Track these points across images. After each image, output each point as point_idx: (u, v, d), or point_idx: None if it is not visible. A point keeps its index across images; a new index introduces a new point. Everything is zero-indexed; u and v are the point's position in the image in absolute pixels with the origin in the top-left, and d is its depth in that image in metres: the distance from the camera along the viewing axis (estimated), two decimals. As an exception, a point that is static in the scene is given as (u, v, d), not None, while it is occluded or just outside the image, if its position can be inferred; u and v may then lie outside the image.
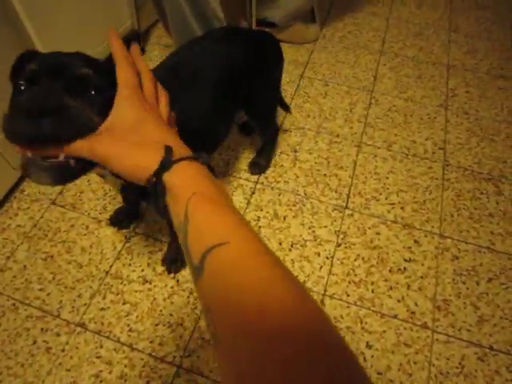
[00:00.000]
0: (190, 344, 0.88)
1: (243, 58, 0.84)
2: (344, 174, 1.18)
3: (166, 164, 0.36)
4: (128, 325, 0.91)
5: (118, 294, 0.95)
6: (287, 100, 1.37)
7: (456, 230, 1.08)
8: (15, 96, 0.44)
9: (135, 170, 0.37)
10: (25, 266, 0.99)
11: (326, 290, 0.97)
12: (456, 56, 1.57)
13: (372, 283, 0.98)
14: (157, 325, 0.91)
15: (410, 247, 1.04)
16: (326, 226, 1.07)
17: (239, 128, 1.25)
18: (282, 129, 1.28)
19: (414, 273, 1.00)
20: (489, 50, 1.59)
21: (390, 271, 1.00)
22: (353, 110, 1.35)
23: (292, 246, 1.03)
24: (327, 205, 1.11)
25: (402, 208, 1.11)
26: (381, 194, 1.14)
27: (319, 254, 1.02)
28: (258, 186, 1.14)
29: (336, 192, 1.14)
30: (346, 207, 1.11)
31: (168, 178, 0.36)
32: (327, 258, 1.02)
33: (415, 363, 0.87)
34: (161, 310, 0.93)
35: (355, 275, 0.99)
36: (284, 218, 1.08)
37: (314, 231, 1.06)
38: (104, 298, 0.95)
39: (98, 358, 0.87)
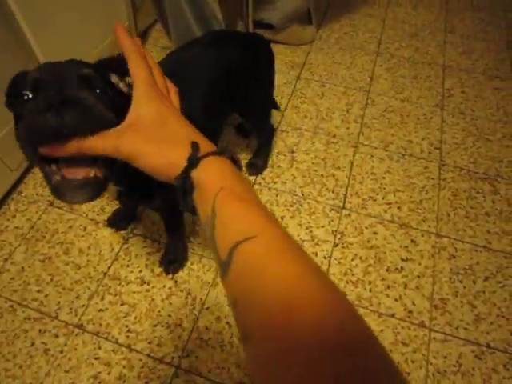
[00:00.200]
0: (189, 344, 0.88)
1: (234, 60, 0.85)
2: (341, 174, 1.19)
3: (193, 161, 0.36)
4: (126, 326, 0.91)
5: (116, 295, 0.95)
6: (284, 101, 1.38)
7: (452, 229, 1.08)
8: (22, 107, 0.43)
9: (163, 168, 0.37)
10: (22, 268, 0.99)
11: (323, 290, 0.97)
12: (452, 57, 1.58)
13: (369, 283, 0.99)
14: (155, 326, 0.91)
15: (406, 246, 1.05)
16: (323, 226, 1.07)
17: (236, 130, 1.26)
18: (279, 129, 1.29)
19: (411, 272, 1.00)
20: (484, 51, 1.60)
21: (387, 270, 1.00)
22: (349, 110, 1.36)
23: (290, 246, 1.04)
24: (324, 205, 1.12)
25: (398, 208, 1.12)
26: (378, 194, 1.14)
27: (317, 254, 1.03)
28: (256, 187, 1.14)
29: (333, 192, 1.14)
30: (343, 207, 1.11)
31: (195, 174, 0.35)
32: (325, 257, 1.02)
33: (413, 362, 0.88)
34: (159, 311, 0.93)
35: (353, 275, 1.00)
36: (281, 219, 1.08)
37: (311, 231, 1.07)
38: (102, 299, 0.95)
39: (96, 359, 0.87)
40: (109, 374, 0.85)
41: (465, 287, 0.98)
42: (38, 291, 0.96)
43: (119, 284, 0.97)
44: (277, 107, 1.19)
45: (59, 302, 0.94)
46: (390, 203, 1.13)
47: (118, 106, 0.43)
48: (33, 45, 1.09)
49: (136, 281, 0.97)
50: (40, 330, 0.90)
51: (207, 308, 0.94)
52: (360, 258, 1.02)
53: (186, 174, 0.36)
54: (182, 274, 0.98)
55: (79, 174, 0.40)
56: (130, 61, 0.41)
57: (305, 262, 0.31)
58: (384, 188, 1.16)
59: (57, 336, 0.90)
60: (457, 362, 0.88)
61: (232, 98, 0.88)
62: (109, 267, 0.99)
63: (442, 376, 0.86)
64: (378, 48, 1.59)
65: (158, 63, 0.84)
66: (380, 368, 0.26)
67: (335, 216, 1.10)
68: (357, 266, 1.01)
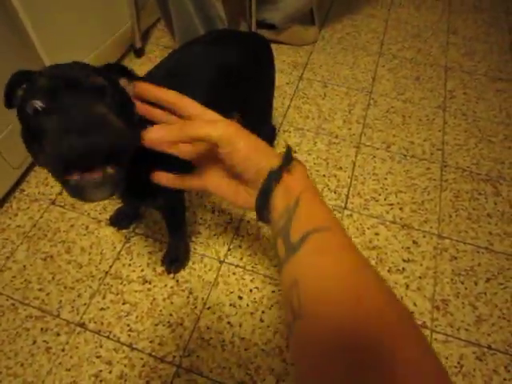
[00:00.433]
0: (190, 344, 0.89)
1: (234, 59, 0.85)
2: (343, 174, 1.19)
3: (287, 160, 0.40)
4: (128, 325, 0.91)
5: (117, 294, 0.95)
6: (286, 101, 1.38)
7: (454, 230, 1.08)
8: (35, 120, 0.42)
9: (255, 166, 0.41)
10: (24, 266, 0.99)
11: (325, 290, 0.97)
12: (454, 58, 1.58)
13: (371, 283, 0.98)
14: (156, 325, 0.91)
15: (408, 247, 1.05)
16: (325, 227, 1.07)
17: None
18: (281, 129, 1.29)
19: (413, 273, 1.00)
20: (486, 53, 1.60)
21: (388, 271, 1.00)
22: (352, 111, 1.36)
23: (291, 246, 1.04)
24: (326, 205, 1.11)
25: (400, 209, 1.12)
26: (380, 195, 1.14)
27: (318, 255, 1.03)
28: (258, 187, 1.14)
29: (335, 193, 1.14)
30: (345, 208, 1.11)
31: (285, 175, 0.40)
32: (326, 258, 1.02)
33: (414, 363, 0.88)
34: (160, 310, 0.93)
35: (354, 275, 1.00)
36: (283, 219, 1.08)
37: (313, 231, 1.07)
38: (104, 297, 0.95)
39: (97, 357, 0.87)
40: (110, 372, 0.85)
41: (466, 288, 0.98)
42: (40, 290, 0.96)
43: (121, 283, 0.97)
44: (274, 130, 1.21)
45: (61, 301, 0.94)
46: (391, 204, 1.13)
47: (127, 112, 0.45)
48: (35, 43, 1.09)
49: (138, 280, 0.98)
50: (42, 329, 0.91)
51: (209, 308, 0.94)
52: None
53: (280, 169, 0.40)
54: (183, 274, 0.98)
55: (96, 172, 0.41)
56: (205, 116, 0.44)
57: (370, 266, 0.35)
58: (386, 189, 1.16)
59: (58, 334, 0.90)
60: (458, 363, 0.88)
61: (232, 97, 0.88)
62: (110, 266, 0.99)
63: (443, 377, 0.86)
64: (381, 49, 1.59)
65: (160, 62, 0.84)
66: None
67: (337, 216, 1.09)
68: (358, 267, 1.01)
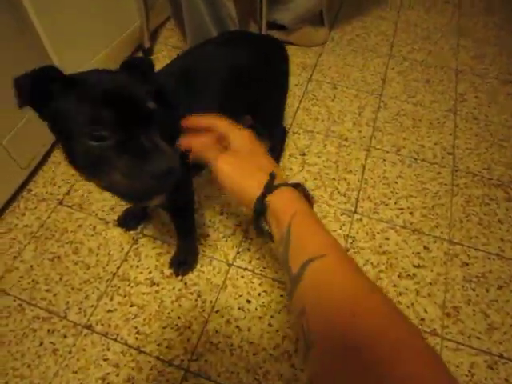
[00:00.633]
0: (198, 347, 0.88)
1: (249, 61, 0.84)
2: (353, 177, 1.17)
3: (269, 188, 0.43)
4: (135, 327, 0.90)
5: (125, 296, 0.95)
6: (295, 102, 1.37)
7: (465, 236, 1.07)
8: (97, 146, 0.47)
9: (240, 192, 0.45)
10: (31, 267, 0.99)
11: (334, 295, 0.96)
12: (464, 61, 1.56)
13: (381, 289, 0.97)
14: (164, 328, 0.90)
15: (419, 253, 1.03)
16: (334, 231, 1.06)
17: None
18: (291, 131, 1.28)
19: (423, 279, 0.99)
20: (497, 56, 1.59)
21: (399, 277, 0.99)
22: (361, 113, 1.35)
23: (300, 249, 1.03)
24: (336, 209, 1.10)
25: (411, 213, 1.11)
26: (390, 199, 1.13)
27: (328, 259, 1.02)
28: (267, 189, 1.13)
29: (345, 196, 1.13)
30: (355, 212, 1.10)
31: (271, 198, 0.42)
32: (336, 262, 1.01)
33: (425, 370, 0.86)
34: (168, 313, 0.92)
35: (364, 280, 0.99)
36: (292, 222, 1.07)
37: (322, 235, 1.05)
38: (111, 299, 0.94)
39: (105, 360, 0.86)
40: (117, 375, 0.84)
41: (478, 295, 0.97)
42: (47, 290, 0.95)
43: (128, 285, 0.96)
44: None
45: (68, 302, 0.94)
46: (402, 208, 1.11)
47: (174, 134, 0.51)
48: (44, 42, 1.09)
49: (145, 282, 0.97)
50: (49, 330, 0.90)
51: (217, 311, 0.93)
52: (371, 263, 1.01)
53: (262, 198, 0.42)
54: (191, 276, 0.98)
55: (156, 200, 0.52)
56: (230, 131, 0.49)
57: (366, 279, 0.36)
58: (396, 193, 1.15)
59: (65, 336, 0.89)
60: (469, 371, 0.87)
61: (244, 98, 0.87)
62: (118, 268, 0.99)
63: (455, 385, 0.85)
64: (391, 51, 1.58)
65: (172, 61, 0.83)
66: None
67: (347, 220, 1.08)
68: (368, 272, 1.00)
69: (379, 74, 1.48)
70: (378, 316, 0.32)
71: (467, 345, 0.90)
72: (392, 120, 1.33)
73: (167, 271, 0.98)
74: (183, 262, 0.97)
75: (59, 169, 1.17)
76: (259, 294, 0.95)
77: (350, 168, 1.20)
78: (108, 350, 0.87)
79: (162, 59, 1.48)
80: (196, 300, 0.94)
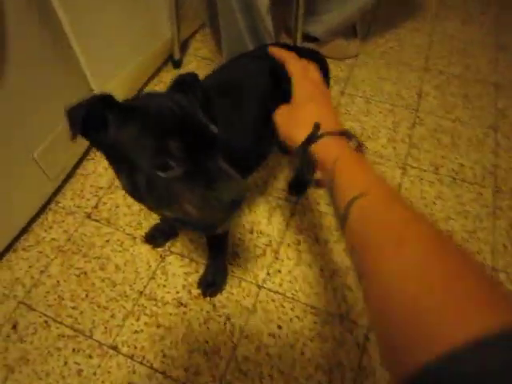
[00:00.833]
0: (227, 375, 0.84)
1: (286, 76, 0.80)
2: (388, 197, 1.12)
3: (311, 139, 0.47)
4: (162, 350, 0.87)
5: (152, 316, 0.92)
6: (327, 117, 1.32)
7: (510, 262, 1.00)
8: (161, 175, 0.45)
9: (290, 144, 0.51)
10: (58, 282, 0.97)
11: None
12: (504, 75, 1.49)
13: (420, 318, 0.92)
14: (192, 352, 0.87)
15: (460, 280, 0.97)
16: (369, 253, 1.01)
17: (278, 146, 1.21)
18: (322, 147, 1.23)
19: (466, 309, 0.93)
20: (539, 70, 1.51)
21: (439, 306, 0.93)
22: (396, 129, 1.29)
23: (334, 273, 0.98)
24: (371, 230, 1.05)
25: (450, 237, 1.04)
26: (428, 221, 1.07)
27: (363, 283, 0.96)
28: (298, 208, 1.09)
29: (380, 217, 1.08)
30: (391, 233, 1.05)
31: (315, 148, 0.47)
32: (371, 287, 0.96)
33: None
34: (196, 336, 0.89)
35: (401, 308, 0.93)
36: (325, 243, 1.03)
37: (356, 258, 1.00)
38: (138, 319, 0.91)
39: (130, 384, 0.83)
40: (143, 401, 0.81)
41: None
42: (73, 307, 0.93)
43: (155, 305, 0.93)
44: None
45: (94, 321, 0.91)
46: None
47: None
48: (77, 53, 1.08)
49: (173, 302, 0.94)
50: (74, 349, 0.87)
51: (246, 336, 0.89)
52: (410, 290, 0.95)
53: (302, 148, 0.47)
54: (220, 298, 0.94)
55: None
56: (286, 62, 0.58)
57: (410, 210, 0.37)
58: (435, 214, 1.09)
59: (90, 357, 0.87)
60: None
61: None
62: (145, 286, 0.96)
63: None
64: (426, 64, 1.52)
65: (211, 74, 0.80)
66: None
67: (382, 243, 1.03)
68: (406, 299, 0.94)
69: (414, 88, 1.43)
70: (423, 241, 0.32)
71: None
72: (429, 137, 1.27)
73: (195, 291, 0.95)
74: (212, 283, 0.94)
75: (88, 181, 1.15)
76: (291, 320, 0.91)
77: (385, 187, 1.14)
78: (134, 373, 0.84)
79: (191, 70, 1.46)
80: (225, 323, 0.90)
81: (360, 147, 0.48)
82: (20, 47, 0.85)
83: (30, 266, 0.99)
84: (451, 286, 0.28)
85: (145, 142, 0.44)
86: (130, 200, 1.11)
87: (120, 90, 1.25)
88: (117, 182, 1.14)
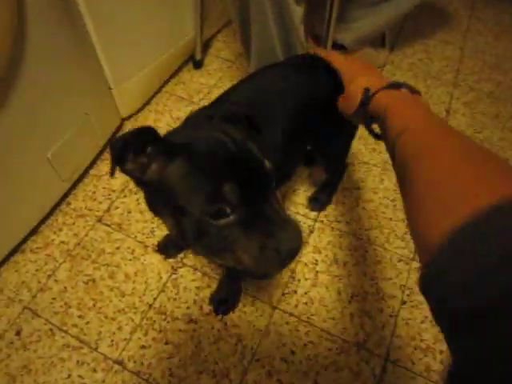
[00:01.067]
0: (236, 400, 0.80)
1: (324, 88, 0.75)
2: (412, 219, 1.07)
3: (365, 102, 0.54)
4: (169, 368, 0.83)
5: (160, 331, 0.88)
6: (351, 129, 1.28)
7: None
8: (214, 222, 0.41)
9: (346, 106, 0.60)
10: (65, 288, 0.94)
11: (388, 354, 0.86)
12: (537, 95, 1.43)
13: (441, 352, 0.87)
14: (200, 373, 0.83)
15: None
16: (390, 279, 0.97)
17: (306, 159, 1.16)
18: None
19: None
20: None
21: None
22: (422, 147, 1.24)
23: (352, 297, 0.93)
24: (392, 254, 1.01)
25: (476, 266, 0.99)
26: (453, 247, 1.02)
27: (382, 311, 0.92)
28: (318, 225, 1.05)
29: (402, 240, 1.03)
30: (414, 259, 1.00)
31: (371, 107, 0.53)
32: (390, 315, 0.91)
33: None
34: (205, 356, 0.85)
35: (421, 340, 0.88)
36: (344, 264, 0.98)
37: (376, 283, 0.96)
38: (146, 334, 0.87)
39: (135, 404, 0.79)
40: (147, 423, 0.77)
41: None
42: (80, 316, 0.90)
43: (164, 319, 0.90)
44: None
45: (100, 332, 0.88)
46: (466, 259, 1.00)
47: None
48: (98, 50, 1.04)
49: (183, 318, 0.90)
50: (78, 361, 0.84)
51: (257, 360, 0.85)
52: (431, 321, 0.91)
53: (358, 112, 0.55)
54: (232, 316, 0.90)
55: None
56: (331, 59, 0.70)
57: (460, 135, 0.41)
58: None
59: (95, 370, 0.83)
60: None
61: (314, 129, 0.79)
62: (155, 299, 0.92)
63: None
64: (456, 79, 1.46)
65: (238, 84, 0.75)
66: None
67: (404, 268, 0.98)
68: (427, 331, 0.89)
69: (443, 104, 1.37)
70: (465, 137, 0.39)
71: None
72: (456, 157, 1.22)
73: (206, 307, 0.91)
74: (224, 300, 0.90)
75: (101, 183, 1.12)
76: (305, 345, 0.87)
77: (409, 208, 1.09)
78: (139, 391, 0.81)
79: (212, 72, 1.42)
80: (236, 344, 0.87)
81: (413, 90, 0.52)
82: (39, 45, 0.82)
83: (37, 270, 0.96)
84: (486, 163, 0.36)
85: (196, 185, 0.40)
86: (143, 206, 1.07)
87: (138, 89, 1.21)
88: (130, 186, 1.10)
